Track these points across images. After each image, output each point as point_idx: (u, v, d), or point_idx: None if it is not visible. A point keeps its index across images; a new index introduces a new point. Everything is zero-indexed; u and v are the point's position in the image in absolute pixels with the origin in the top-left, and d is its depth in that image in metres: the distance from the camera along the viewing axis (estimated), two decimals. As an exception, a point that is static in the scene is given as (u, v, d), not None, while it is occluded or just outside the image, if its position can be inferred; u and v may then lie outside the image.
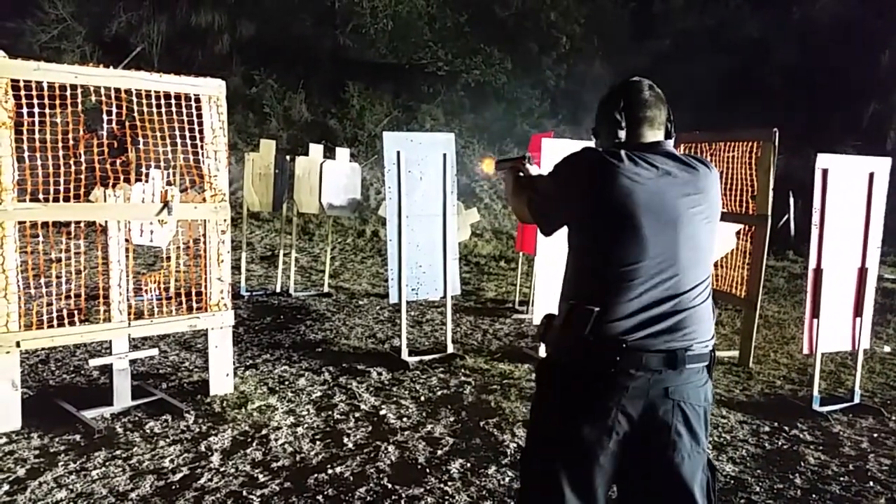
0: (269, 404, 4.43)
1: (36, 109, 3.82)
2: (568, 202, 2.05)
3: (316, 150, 8.12)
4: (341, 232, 12.55)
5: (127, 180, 4.26)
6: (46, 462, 3.49)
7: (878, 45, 15.25)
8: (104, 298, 4.16)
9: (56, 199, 3.93)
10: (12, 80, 3.74)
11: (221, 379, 4.56)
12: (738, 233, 5.98)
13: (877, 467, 3.90)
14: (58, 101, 3.88)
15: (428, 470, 3.60)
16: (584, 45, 17.47)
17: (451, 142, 5.88)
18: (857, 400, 4.90)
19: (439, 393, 4.83)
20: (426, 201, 5.72)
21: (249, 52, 15.58)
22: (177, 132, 4.29)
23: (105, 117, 4.04)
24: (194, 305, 4.43)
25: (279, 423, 4.15)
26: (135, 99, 4.14)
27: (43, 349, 5.07)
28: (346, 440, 3.94)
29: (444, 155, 5.75)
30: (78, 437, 3.81)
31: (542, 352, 5.73)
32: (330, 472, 3.53)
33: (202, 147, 4.38)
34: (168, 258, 4.71)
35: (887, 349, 6.51)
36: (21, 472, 3.39)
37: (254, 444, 3.83)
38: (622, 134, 2.07)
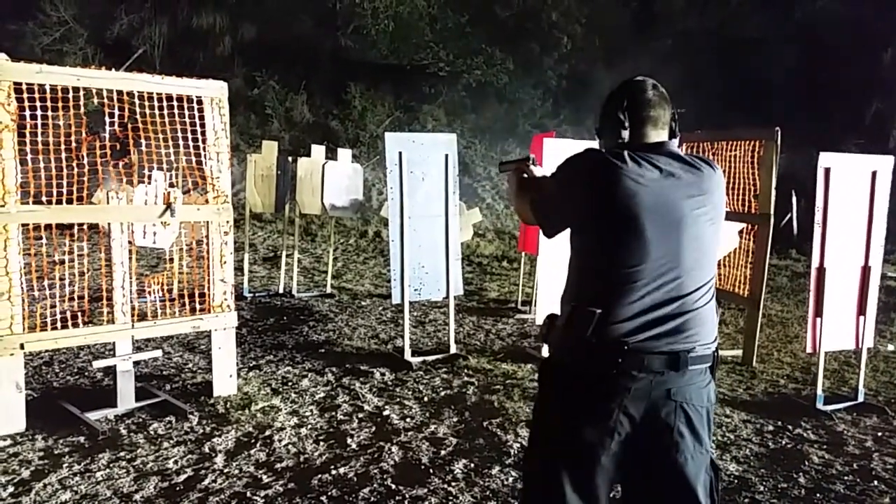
0: (272, 405, 4.44)
1: (38, 112, 3.83)
2: (570, 204, 2.04)
3: (318, 151, 8.12)
4: (344, 233, 12.56)
5: (130, 182, 4.26)
6: (51, 464, 3.50)
7: (880, 44, 15.23)
8: (107, 300, 4.17)
9: (59, 202, 3.93)
10: (15, 83, 3.75)
11: (225, 380, 4.56)
12: (740, 232, 5.97)
13: (881, 466, 3.89)
14: (60, 104, 3.89)
15: (431, 470, 3.60)
16: (585, 45, 17.46)
17: (452, 142, 5.89)
18: (860, 399, 4.89)
19: (442, 393, 4.83)
20: (428, 202, 5.72)
21: (251, 54, 15.59)
22: (179, 134, 4.30)
23: (107, 119, 4.05)
24: (197, 307, 4.43)
25: (283, 423, 4.16)
26: (137, 101, 4.14)
27: (47, 351, 5.08)
28: (349, 441, 3.94)
29: (446, 155, 5.75)
30: (82, 438, 3.82)
31: (545, 352, 5.72)
32: (333, 472, 3.53)
33: (204, 149, 4.38)
34: (171, 260, 4.72)
35: (891, 347, 6.50)
36: (25, 473, 3.39)
37: (257, 445, 3.84)
38: (626, 134, 2.05)
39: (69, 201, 3.97)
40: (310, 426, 4.15)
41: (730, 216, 5.67)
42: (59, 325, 3.96)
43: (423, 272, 5.71)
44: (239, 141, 13.67)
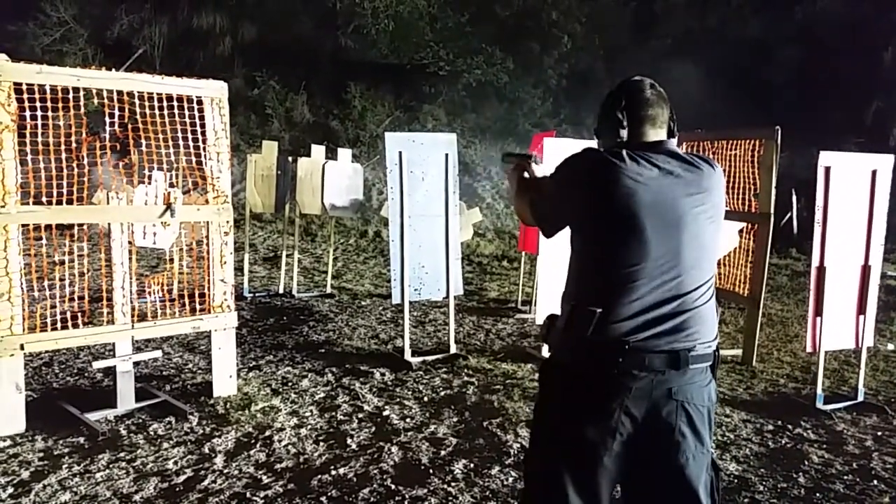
0: (272, 406, 4.44)
1: (38, 112, 3.83)
2: (569, 204, 2.04)
3: (318, 151, 8.12)
4: (344, 233, 12.56)
5: (130, 182, 4.27)
6: (50, 464, 3.50)
7: (881, 43, 15.22)
8: (107, 301, 4.17)
9: (59, 202, 3.93)
10: (15, 84, 3.75)
11: (225, 380, 4.56)
12: (740, 231, 5.97)
13: (881, 465, 3.89)
14: (60, 104, 3.89)
15: (431, 470, 3.60)
16: (585, 45, 17.45)
17: (452, 142, 5.89)
18: (860, 398, 4.89)
19: (442, 393, 4.83)
20: (428, 201, 5.72)
21: (251, 54, 15.59)
22: (179, 134, 4.30)
23: (107, 120, 4.05)
24: (197, 307, 4.43)
25: (282, 424, 4.16)
26: (137, 101, 4.14)
27: (47, 352, 5.08)
28: (349, 441, 3.95)
29: (446, 155, 5.75)
30: (82, 439, 3.82)
31: (545, 352, 5.73)
32: (333, 473, 3.54)
33: (204, 149, 4.38)
34: (171, 260, 4.72)
35: (891, 347, 6.50)
36: (25, 474, 3.39)
37: (257, 445, 3.84)
38: (624, 133, 2.05)
39: (69, 202, 3.97)
40: (310, 426, 4.15)
41: (730, 215, 5.67)
42: (59, 325, 3.96)
43: (423, 272, 5.71)
44: (239, 141, 13.68)
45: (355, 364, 5.43)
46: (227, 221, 4.49)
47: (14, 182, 3.75)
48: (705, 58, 15.07)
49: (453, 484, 3.46)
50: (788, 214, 13.24)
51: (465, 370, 5.37)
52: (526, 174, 2.38)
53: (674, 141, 2.10)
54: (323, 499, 3.27)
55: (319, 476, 3.49)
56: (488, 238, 13.21)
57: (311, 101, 15.75)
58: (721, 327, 6.83)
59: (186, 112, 4.31)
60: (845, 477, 3.73)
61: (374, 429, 4.14)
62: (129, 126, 4.17)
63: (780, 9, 16.43)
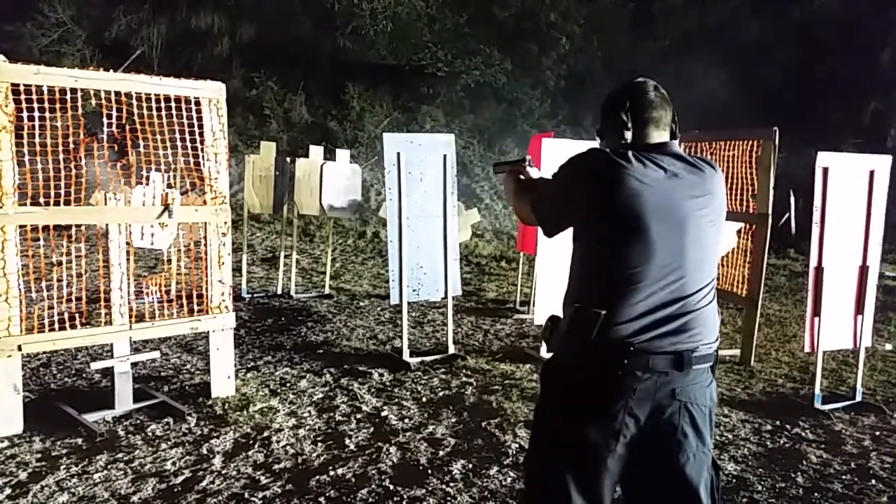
0: (270, 406, 4.44)
1: (36, 113, 3.83)
2: (573, 203, 2.04)
3: (316, 151, 8.12)
4: (342, 233, 12.55)
5: (128, 183, 4.26)
6: (48, 466, 3.50)
7: (878, 44, 15.24)
8: (105, 301, 4.16)
9: (57, 203, 3.93)
10: (12, 84, 3.75)
11: (223, 381, 4.56)
12: (738, 231, 5.98)
13: (879, 465, 3.90)
14: (58, 105, 3.89)
15: (430, 471, 3.60)
16: (583, 46, 17.47)
17: (451, 143, 5.89)
18: (858, 398, 4.90)
19: (441, 394, 4.83)
20: (427, 202, 5.72)
21: (249, 55, 15.59)
22: (177, 135, 4.30)
23: (105, 121, 4.04)
24: (195, 308, 4.43)
25: (281, 424, 4.15)
26: (135, 102, 4.14)
27: (44, 353, 5.07)
28: (347, 441, 3.94)
29: (445, 156, 5.75)
30: (80, 440, 3.81)
31: (544, 352, 5.73)
32: (332, 473, 3.53)
33: (202, 150, 4.38)
34: (169, 261, 4.71)
35: (889, 347, 6.50)
36: (23, 475, 3.39)
37: (255, 446, 3.83)
38: (628, 135, 2.06)
39: (67, 202, 3.96)
40: (308, 427, 4.15)
41: (728, 216, 5.64)
42: (56, 326, 3.96)
43: (421, 273, 5.71)
44: (237, 142, 13.67)
45: (354, 364, 5.43)
46: (225, 222, 4.49)
47: (11, 183, 3.74)
48: (703, 59, 15.09)
49: (452, 484, 3.45)
50: (786, 215, 13.26)
51: (464, 371, 5.37)
52: (521, 176, 2.38)
53: (677, 143, 2.10)
54: (321, 499, 3.26)
55: (318, 476, 3.49)
56: (486, 239, 13.21)
57: (310, 102, 15.75)
58: (719, 327, 6.83)
59: (184, 113, 4.31)
60: (843, 477, 3.73)
61: (372, 429, 4.14)
62: (127, 127, 4.17)
63: (778, 9, 16.45)
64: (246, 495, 3.28)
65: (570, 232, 2.13)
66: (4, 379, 3.77)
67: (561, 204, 2.10)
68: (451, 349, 5.77)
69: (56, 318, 3.98)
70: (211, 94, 4.40)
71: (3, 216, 3.72)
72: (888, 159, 4.92)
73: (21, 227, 3.85)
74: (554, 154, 5.42)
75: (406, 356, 5.52)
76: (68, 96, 3.90)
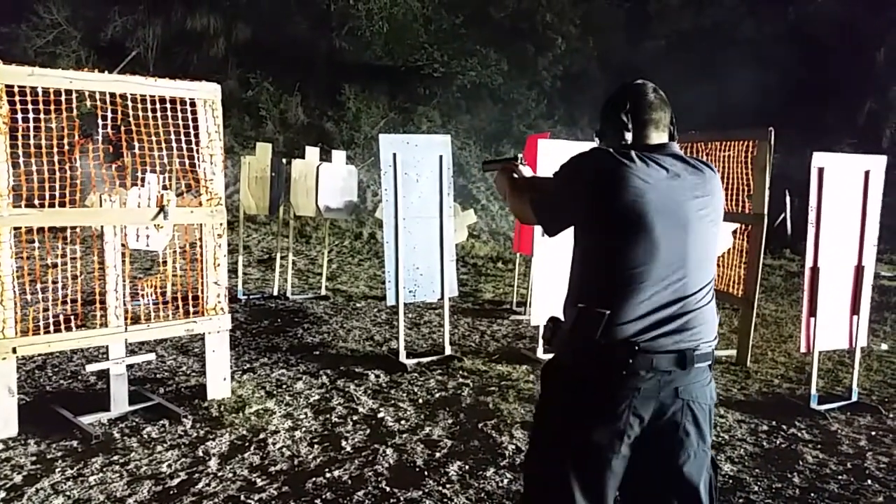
0: (266, 408, 4.43)
1: (31, 115, 3.82)
2: (576, 202, 2.03)
3: (312, 152, 8.11)
4: (338, 234, 12.54)
5: (123, 185, 4.25)
6: (43, 468, 3.48)
7: (874, 44, 15.29)
8: (101, 303, 4.15)
9: (51, 205, 3.92)
10: (7, 86, 3.73)
11: (219, 383, 4.55)
12: (734, 232, 5.98)
13: (875, 465, 3.90)
14: (52, 107, 3.88)
15: (426, 473, 3.59)
16: (579, 46, 17.50)
17: (447, 144, 5.88)
18: (854, 398, 4.90)
19: (437, 395, 4.83)
20: (423, 203, 5.71)
21: (245, 56, 15.57)
22: (172, 136, 4.28)
23: (100, 122, 4.03)
24: (191, 309, 4.42)
25: (277, 426, 4.15)
26: (130, 103, 4.12)
27: (39, 355, 5.05)
28: (344, 443, 3.94)
29: (441, 157, 5.75)
30: (75, 442, 3.80)
31: (541, 354, 5.73)
32: (328, 475, 3.53)
33: (198, 151, 4.37)
34: (164, 262, 4.70)
35: (884, 347, 6.52)
36: (18, 478, 3.37)
37: (251, 448, 3.83)
38: (628, 136, 2.07)
39: (62, 204, 3.95)
40: (304, 429, 4.14)
41: (724, 216, 5.67)
42: (51, 328, 3.94)
43: (417, 274, 5.71)
44: (233, 143, 13.66)
45: (350, 366, 5.42)
46: (221, 223, 4.48)
47: (6, 184, 3.73)
48: (699, 59, 15.12)
49: (448, 486, 3.45)
50: (782, 215, 13.29)
51: (460, 372, 5.36)
52: (515, 175, 2.37)
53: (676, 144, 2.11)
54: (317, 501, 3.26)
55: (314, 478, 3.48)
56: (483, 239, 13.21)
57: (306, 103, 15.75)
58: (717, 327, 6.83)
59: (180, 114, 4.30)
60: (840, 477, 3.74)
61: (368, 431, 4.13)
62: (122, 128, 4.16)
63: (774, 10, 16.49)
64: (242, 497, 3.27)
65: (568, 232, 2.13)
66: (-1, 381, 3.76)
67: (563, 202, 2.10)
68: (448, 350, 5.77)
69: (51, 320, 3.96)
70: (206, 95, 4.39)
71: (-2, 218, 3.71)
72: (883, 159, 4.93)
73: (16, 228, 3.84)
74: (550, 155, 5.42)
75: (402, 357, 5.51)
76: (63, 98, 3.89)
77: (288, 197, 8.10)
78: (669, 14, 17.64)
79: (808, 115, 14.12)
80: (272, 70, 15.30)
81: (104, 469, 3.50)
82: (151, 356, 4.60)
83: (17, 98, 3.76)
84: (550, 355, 2.15)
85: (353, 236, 12.65)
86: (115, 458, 3.63)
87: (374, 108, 15.78)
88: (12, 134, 3.78)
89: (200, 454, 3.72)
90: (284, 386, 4.90)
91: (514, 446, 3.94)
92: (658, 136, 2.09)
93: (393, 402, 4.65)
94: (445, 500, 3.31)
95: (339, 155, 8.23)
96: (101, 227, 4.14)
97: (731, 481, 3.61)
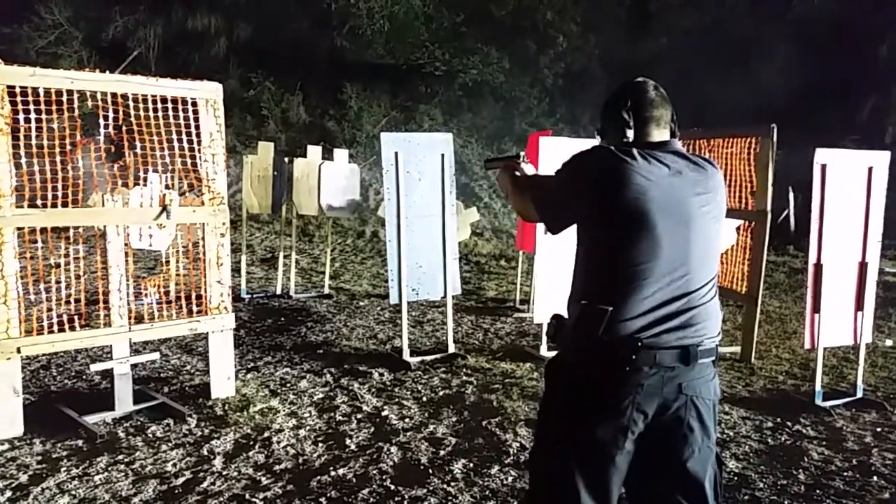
0: (270, 407, 4.43)
1: (33, 115, 3.82)
2: (579, 200, 2.03)
3: (314, 151, 8.11)
4: (341, 233, 12.55)
5: (125, 185, 4.25)
6: (49, 468, 3.49)
7: (876, 40, 15.25)
8: (104, 303, 4.15)
9: (54, 205, 3.92)
10: (8, 86, 3.74)
11: (223, 382, 4.55)
12: (738, 229, 5.97)
13: (880, 461, 3.89)
14: (54, 107, 3.88)
15: (431, 470, 3.59)
16: (581, 44, 17.48)
17: (449, 142, 5.88)
18: (859, 394, 4.89)
19: (441, 393, 4.82)
20: (425, 202, 5.71)
21: (246, 55, 15.57)
22: (174, 136, 4.29)
23: (102, 122, 4.03)
24: (195, 309, 4.42)
25: (281, 425, 4.15)
26: (131, 103, 4.13)
27: (44, 355, 5.06)
28: (348, 441, 3.94)
29: (443, 155, 5.75)
30: (80, 442, 3.80)
31: (544, 351, 5.73)
32: (332, 473, 3.53)
33: (200, 150, 4.37)
34: (167, 262, 4.70)
35: (889, 343, 6.50)
36: (23, 478, 3.38)
37: (256, 446, 3.83)
38: (630, 133, 2.08)
39: (64, 204, 3.95)
40: (308, 427, 4.14)
41: (727, 213, 5.64)
42: (55, 328, 3.95)
43: (420, 272, 5.71)
44: (235, 142, 13.66)
45: (354, 364, 5.42)
46: (224, 223, 4.48)
47: (9, 185, 3.73)
48: (700, 56, 15.09)
49: (453, 484, 3.45)
50: (785, 212, 13.26)
51: (464, 370, 5.36)
52: (518, 173, 2.37)
53: (677, 141, 2.11)
54: (322, 500, 3.26)
55: (318, 477, 3.49)
56: (486, 237, 13.21)
57: (307, 102, 15.75)
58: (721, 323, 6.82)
59: (181, 114, 4.30)
60: (845, 473, 3.73)
61: (372, 429, 4.14)
62: (124, 128, 4.16)
63: (775, 6, 16.45)
64: (247, 496, 3.27)
65: (570, 230, 2.13)
66: (4, 381, 3.77)
67: (565, 200, 2.10)
68: (451, 348, 5.76)
69: (55, 319, 3.97)
70: (208, 94, 4.39)
71: (1, 218, 3.71)
72: (886, 155, 4.92)
73: (19, 229, 3.84)
74: (552, 153, 5.41)
75: (406, 356, 5.51)
76: (65, 98, 3.89)
77: (290, 196, 8.10)
78: (670, 12, 17.61)
79: (810, 112, 14.09)
80: (274, 69, 15.30)
81: (109, 468, 3.51)
82: (155, 355, 4.61)
83: (18, 99, 3.77)
84: (554, 352, 2.15)
85: (355, 235, 12.66)
86: (120, 457, 3.64)
87: (375, 106, 15.78)
88: (14, 134, 3.79)
89: (205, 453, 3.72)
90: (288, 384, 4.90)
91: (518, 444, 3.94)
92: (660, 134, 2.09)
93: (397, 400, 4.65)
94: (450, 497, 3.31)
95: (341, 154, 8.23)
96: (104, 226, 4.14)
97: (736, 478, 3.61)
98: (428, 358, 5.59)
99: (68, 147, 3.99)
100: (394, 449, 3.84)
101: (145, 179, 4.47)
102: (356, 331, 6.56)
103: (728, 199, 5.81)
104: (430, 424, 4.22)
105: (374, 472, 3.56)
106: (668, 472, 1.98)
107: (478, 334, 6.59)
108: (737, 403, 4.75)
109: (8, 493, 3.23)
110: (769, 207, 5.67)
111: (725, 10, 17.14)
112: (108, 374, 4.36)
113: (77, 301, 4.12)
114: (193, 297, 4.45)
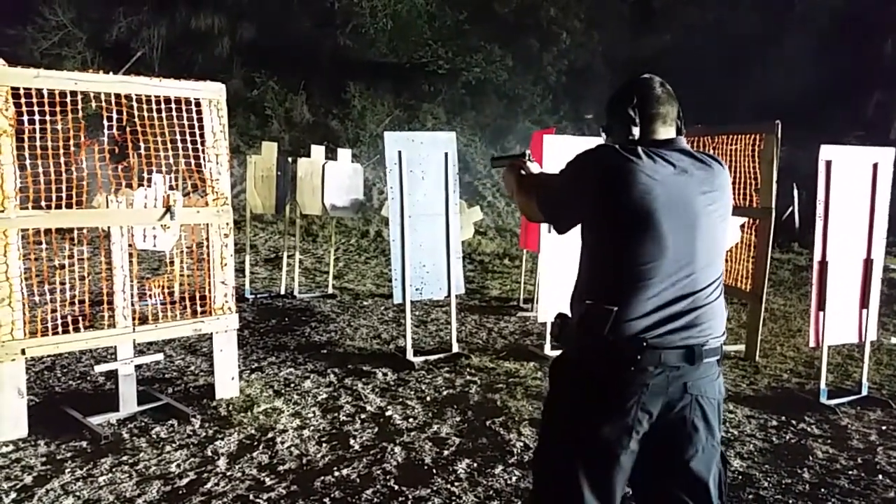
0: (274, 407, 4.43)
1: (37, 116, 3.83)
2: (582, 199, 2.02)
3: (318, 151, 8.12)
4: (345, 233, 12.56)
5: (129, 185, 4.26)
6: (53, 469, 3.50)
7: (881, 36, 15.18)
8: (108, 304, 4.16)
9: (58, 206, 3.93)
10: (13, 88, 3.74)
11: (227, 382, 4.56)
12: (742, 226, 5.96)
13: (886, 460, 3.88)
14: (58, 108, 3.88)
15: (435, 470, 3.59)
16: (584, 41, 17.45)
17: (452, 140, 5.87)
18: (864, 392, 4.88)
19: (445, 393, 4.82)
20: (429, 201, 5.71)
21: (250, 55, 15.59)
22: (178, 136, 4.29)
23: (106, 123, 4.04)
24: (199, 309, 4.43)
25: (285, 425, 4.15)
26: (135, 104, 4.13)
27: (48, 356, 5.07)
28: (352, 442, 3.94)
29: (446, 154, 5.74)
30: (84, 443, 3.81)
31: (548, 350, 5.72)
32: (336, 474, 3.53)
33: (203, 151, 4.37)
34: (172, 262, 4.71)
35: (894, 341, 6.48)
36: (28, 479, 3.39)
37: (260, 447, 3.83)
38: (636, 131, 2.06)
39: (69, 205, 3.96)
40: (312, 427, 4.14)
41: (731, 211, 5.65)
42: (60, 329, 3.96)
43: (424, 271, 5.71)
44: (239, 142, 13.68)
45: (357, 364, 5.43)
46: (227, 223, 4.48)
47: (13, 187, 3.74)
48: (704, 52, 15.04)
49: (457, 484, 3.45)
50: (790, 209, 13.22)
51: (468, 369, 5.36)
52: (522, 171, 2.36)
53: (684, 139, 2.10)
54: (326, 500, 3.26)
55: (322, 477, 3.49)
56: (489, 236, 13.20)
57: (311, 102, 15.75)
58: (726, 323, 6.80)
59: (185, 114, 4.30)
60: (850, 472, 3.72)
61: (376, 429, 4.14)
62: (128, 129, 4.16)
63: (779, 2, 16.39)
64: (251, 497, 3.27)
65: (575, 228, 2.12)
66: (9, 383, 3.78)
67: (569, 200, 2.09)
68: (455, 348, 5.76)
69: (59, 321, 3.97)
70: (211, 94, 4.39)
71: (5, 220, 3.72)
72: (892, 151, 4.90)
73: (23, 230, 3.85)
74: (556, 151, 5.40)
75: (410, 355, 5.51)
76: (68, 99, 3.90)
77: (294, 196, 8.11)
78: (674, 8, 17.57)
79: (815, 108, 14.04)
80: (277, 69, 15.32)
81: (113, 469, 3.51)
82: (160, 356, 4.62)
83: (23, 100, 3.77)
84: (558, 352, 2.14)
85: (359, 234, 12.66)
86: (125, 458, 3.64)
87: (379, 105, 15.78)
88: (19, 136, 3.80)
89: (209, 454, 3.73)
90: (292, 385, 4.91)
91: (522, 443, 3.94)
92: (665, 131, 2.07)
93: (401, 400, 4.66)
94: (454, 497, 3.31)
95: (344, 153, 8.24)
96: (108, 227, 4.15)
97: (740, 477, 3.60)
98: (432, 357, 5.59)
99: (72, 148, 3.99)
100: (397, 449, 3.84)
101: (149, 180, 4.49)
102: (360, 331, 6.56)
103: (733, 196, 5.85)
104: (433, 424, 4.22)
105: (378, 472, 3.56)
106: (673, 471, 1.98)
107: (481, 334, 6.59)
108: (741, 402, 4.73)
109: (13, 495, 3.24)
110: (774, 204, 5.66)
111: (729, 6, 17.09)
112: (112, 375, 4.37)
113: (81, 302, 4.13)
114: (197, 297, 4.45)
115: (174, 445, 3.82)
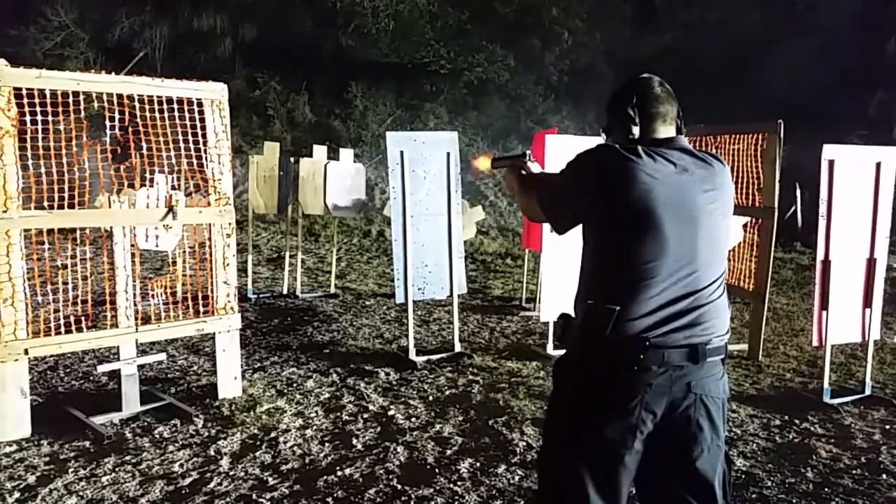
0: (277, 407, 4.43)
1: (39, 117, 3.83)
2: (583, 199, 2.02)
3: (320, 151, 8.12)
4: (347, 232, 12.56)
5: (131, 186, 4.26)
6: (56, 469, 3.50)
7: (884, 35, 15.15)
8: (111, 304, 4.17)
9: (61, 206, 3.93)
10: (15, 89, 3.75)
11: (230, 382, 4.56)
12: (745, 225, 5.95)
13: (889, 459, 3.87)
14: (60, 109, 3.89)
15: (437, 470, 3.59)
16: (586, 41, 17.43)
17: (454, 140, 5.87)
18: (868, 391, 4.87)
19: (447, 392, 4.82)
20: (431, 200, 5.71)
21: (252, 55, 15.60)
22: (180, 137, 4.29)
23: (108, 123, 4.04)
24: (201, 309, 4.43)
25: (288, 425, 4.15)
26: (137, 104, 4.14)
27: (51, 356, 5.08)
28: (354, 441, 3.94)
29: (448, 153, 5.74)
30: (87, 443, 3.82)
31: (551, 350, 5.72)
32: (339, 473, 3.53)
33: (206, 151, 4.38)
34: (174, 262, 4.71)
35: (898, 340, 6.47)
36: (31, 479, 3.39)
37: (263, 447, 3.83)
38: (636, 130, 2.05)
39: (71, 206, 3.97)
40: (315, 427, 4.14)
41: (734, 210, 5.64)
42: (63, 329, 3.96)
43: (426, 271, 5.70)
44: (241, 142, 13.68)
45: (360, 364, 5.43)
46: (230, 223, 4.49)
47: (16, 187, 3.75)
48: (706, 52, 15.03)
49: (459, 483, 3.45)
50: (793, 208, 13.20)
51: (470, 369, 5.36)
52: (524, 172, 2.36)
53: (684, 137, 2.09)
54: (329, 500, 3.26)
55: (325, 477, 3.49)
56: (492, 236, 13.19)
57: (313, 102, 15.76)
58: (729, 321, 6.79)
59: (187, 114, 4.31)
60: (854, 471, 3.71)
61: (379, 429, 4.14)
62: (130, 129, 4.17)
63: (781, 1, 16.37)
64: (254, 496, 3.28)
65: (577, 228, 2.12)
66: (12, 383, 3.78)
67: (570, 200, 2.09)
68: (458, 347, 5.76)
69: (62, 321, 3.98)
70: (213, 95, 4.40)
71: (8, 220, 3.73)
72: (895, 151, 4.89)
73: (26, 230, 3.86)
74: (558, 150, 5.39)
75: (412, 355, 5.51)
76: (71, 99, 3.90)
77: (296, 195, 8.11)
78: (676, 7, 17.56)
79: (817, 107, 14.01)
80: (279, 69, 15.32)
81: (116, 469, 3.52)
82: (162, 356, 4.62)
83: (25, 101, 3.78)
84: (561, 352, 2.14)
85: (361, 234, 12.66)
86: (128, 458, 3.65)
87: (381, 105, 15.78)
88: (21, 136, 3.80)
89: (212, 453, 3.73)
90: (295, 384, 4.91)
91: (524, 443, 3.94)
92: (665, 130, 2.07)
93: (403, 399, 4.65)
94: (457, 497, 3.31)
95: (346, 153, 8.24)
96: (111, 227, 4.15)
97: (744, 476, 3.59)
98: (434, 357, 5.59)
99: (75, 148, 4.00)
100: (400, 448, 3.84)
101: (151, 180, 4.48)
102: (362, 330, 6.57)
103: (735, 195, 5.83)
104: (436, 424, 4.22)
105: (381, 471, 3.56)
106: (678, 471, 1.97)
107: (484, 333, 6.59)
108: (744, 401, 4.73)
109: (16, 495, 3.24)
110: (776, 204, 5.65)
111: (730, 6, 17.06)
112: (115, 375, 4.37)
113: (84, 302, 4.14)
114: (200, 297, 4.46)
115: (177, 445, 3.82)
